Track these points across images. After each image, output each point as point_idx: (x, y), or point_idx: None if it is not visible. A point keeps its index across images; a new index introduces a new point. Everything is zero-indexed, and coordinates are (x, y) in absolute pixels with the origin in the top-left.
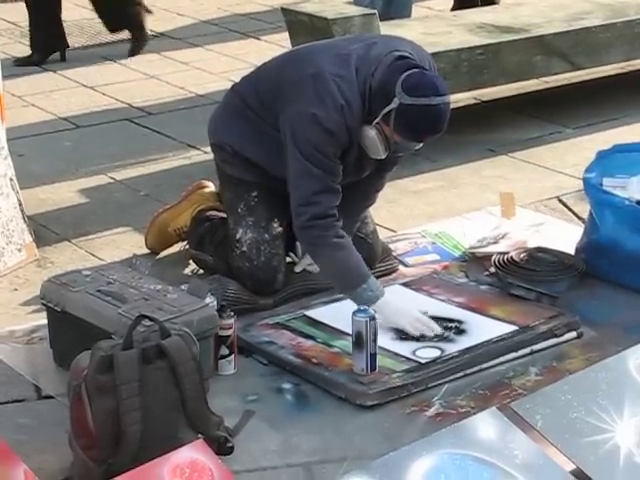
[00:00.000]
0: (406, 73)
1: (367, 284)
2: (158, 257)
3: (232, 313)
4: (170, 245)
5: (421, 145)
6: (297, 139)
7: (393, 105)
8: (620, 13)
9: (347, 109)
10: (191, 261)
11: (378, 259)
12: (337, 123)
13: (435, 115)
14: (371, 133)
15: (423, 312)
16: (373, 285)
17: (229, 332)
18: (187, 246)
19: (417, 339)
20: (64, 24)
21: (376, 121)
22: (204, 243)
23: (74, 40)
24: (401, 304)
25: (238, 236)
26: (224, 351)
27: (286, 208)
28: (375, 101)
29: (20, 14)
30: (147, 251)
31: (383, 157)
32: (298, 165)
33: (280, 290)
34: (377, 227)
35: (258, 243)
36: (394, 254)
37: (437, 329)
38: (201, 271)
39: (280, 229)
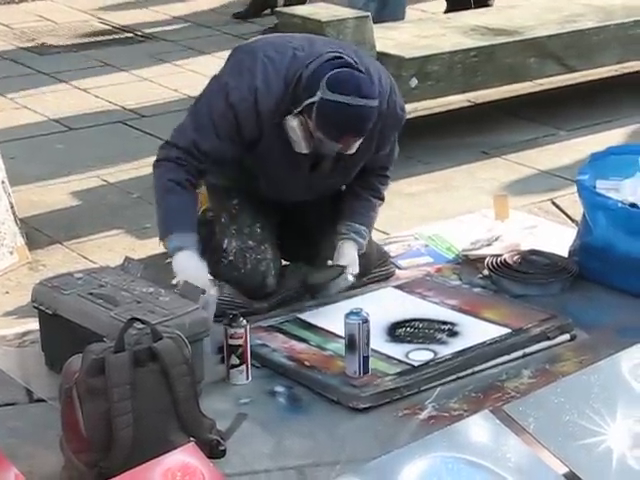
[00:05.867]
0: (336, 70)
1: (174, 235)
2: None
3: (244, 322)
4: None
5: (343, 149)
6: (202, 98)
7: (315, 98)
8: (613, 15)
9: (262, 92)
10: None
11: (373, 266)
12: (243, 100)
13: (352, 115)
14: (293, 123)
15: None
16: (180, 238)
17: (239, 342)
18: None
19: (410, 341)
20: (57, 26)
21: (297, 110)
22: (203, 249)
23: (68, 41)
24: (187, 268)
25: (224, 246)
26: (234, 361)
27: (270, 211)
28: (300, 92)
29: (13, 16)
30: (139, 254)
31: (305, 152)
32: (186, 118)
33: (273, 292)
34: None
35: (243, 251)
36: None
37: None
38: None
39: (265, 233)
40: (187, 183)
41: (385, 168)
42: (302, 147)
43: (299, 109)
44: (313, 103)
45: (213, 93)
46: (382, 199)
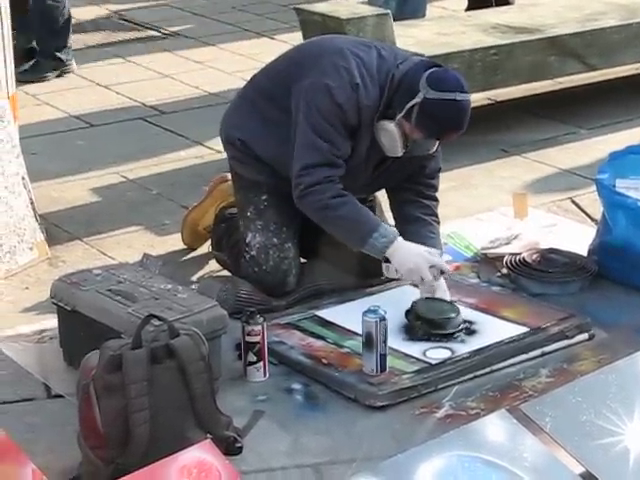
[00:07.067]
0: (430, 70)
1: (378, 232)
2: (162, 256)
3: (261, 319)
4: (206, 241)
5: (436, 146)
6: (307, 108)
7: (417, 100)
8: (635, 14)
9: (362, 89)
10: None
11: None
12: (349, 98)
13: (459, 111)
14: (391, 127)
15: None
16: (384, 232)
17: (256, 338)
18: (210, 246)
19: (428, 339)
20: (78, 23)
21: (399, 116)
22: (222, 244)
23: (88, 38)
24: (409, 251)
25: (248, 240)
26: (252, 358)
27: (296, 211)
28: (397, 94)
29: None
30: (158, 250)
31: (399, 155)
32: (304, 136)
33: (293, 291)
34: None
35: (267, 247)
36: None
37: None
38: (212, 271)
39: (290, 232)
40: (345, 192)
41: (434, 187)
42: (397, 150)
43: (401, 113)
44: (413, 105)
45: (317, 99)
46: (439, 223)
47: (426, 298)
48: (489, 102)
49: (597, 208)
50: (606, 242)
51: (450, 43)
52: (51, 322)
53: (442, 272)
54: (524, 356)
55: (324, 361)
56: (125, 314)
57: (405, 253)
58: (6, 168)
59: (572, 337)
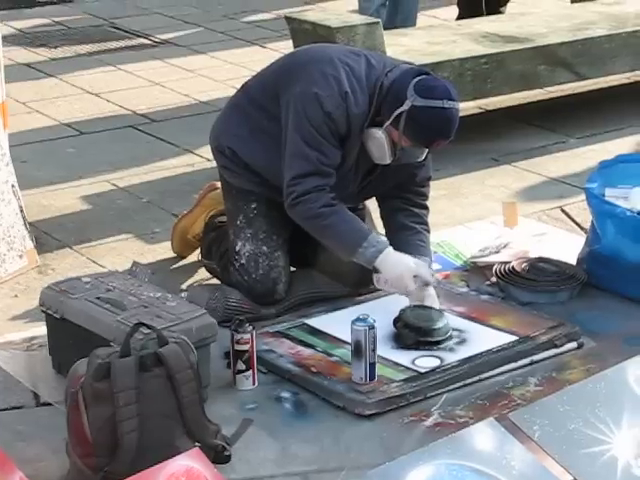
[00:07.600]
0: (418, 77)
1: (367, 242)
2: (151, 264)
3: (250, 327)
4: (195, 249)
5: (424, 155)
6: (296, 117)
7: (405, 107)
8: (624, 23)
9: (351, 98)
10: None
11: None
12: (338, 107)
13: (446, 119)
14: (379, 134)
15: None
16: (373, 241)
17: (246, 347)
18: (200, 254)
19: (417, 348)
20: (70, 31)
21: (387, 123)
22: (211, 252)
23: (80, 47)
24: (396, 261)
25: (237, 248)
26: (241, 366)
27: (286, 219)
28: (385, 102)
29: (26, 20)
30: (148, 258)
31: (387, 162)
32: (293, 146)
33: (282, 299)
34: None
35: (256, 256)
36: None
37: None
38: (201, 279)
39: (280, 241)
40: (335, 201)
41: (424, 196)
42: (385, 158)
43: (389, 121)
44: (401, 113)
45: (306, 107)
46: (429, 231)
47: (414, 306)
48: (479, 111)
49: (586, 217)
50: (595, 251)
51: (440, 52)
52: (40, 330)
53: (426, 284)
54: (513, 365)
55: (313, 369)
56: (114, 322)
57: (392, 263)
58: None
59: (561, 346)
